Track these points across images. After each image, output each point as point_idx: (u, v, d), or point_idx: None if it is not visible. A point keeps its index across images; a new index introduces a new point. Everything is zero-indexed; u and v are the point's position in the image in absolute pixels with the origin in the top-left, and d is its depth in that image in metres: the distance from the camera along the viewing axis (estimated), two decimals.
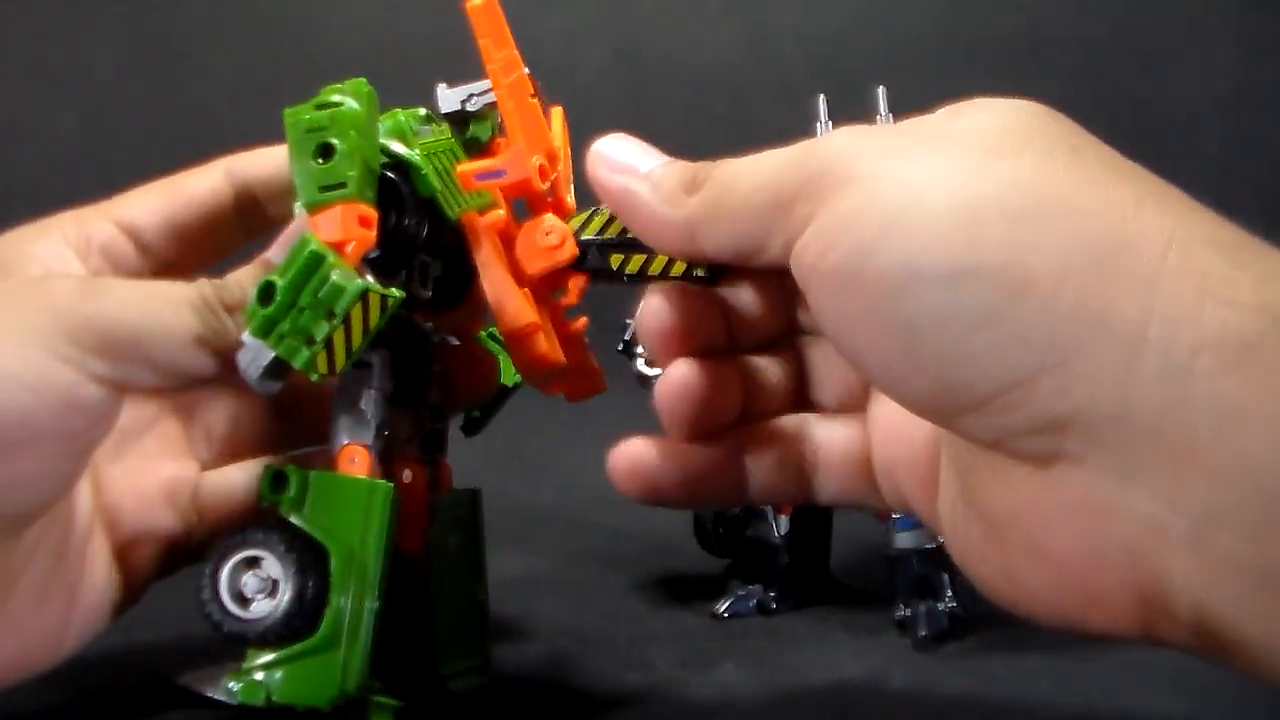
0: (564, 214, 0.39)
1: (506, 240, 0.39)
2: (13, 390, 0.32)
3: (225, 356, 0.35)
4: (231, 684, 0.38)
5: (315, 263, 0.35)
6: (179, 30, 0.90)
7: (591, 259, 0.37)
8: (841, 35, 0.88)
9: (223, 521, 0.40)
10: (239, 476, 0.41)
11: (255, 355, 0.36)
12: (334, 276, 0.35)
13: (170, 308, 0.35)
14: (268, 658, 0.37)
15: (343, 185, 0.36)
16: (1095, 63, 0.95)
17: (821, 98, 0.48)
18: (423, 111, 0.41)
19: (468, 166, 0.38)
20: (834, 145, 0.29)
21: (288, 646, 0.37)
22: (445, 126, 0.41)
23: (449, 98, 0.40)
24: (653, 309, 0.35)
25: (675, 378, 0.35)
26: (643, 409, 0.75)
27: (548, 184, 0.38)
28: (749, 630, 0.51)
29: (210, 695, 0.38)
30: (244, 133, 0.45)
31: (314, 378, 0.36)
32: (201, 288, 0.36)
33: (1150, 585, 0.26)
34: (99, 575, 0.38)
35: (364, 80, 0.38)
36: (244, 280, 0.37)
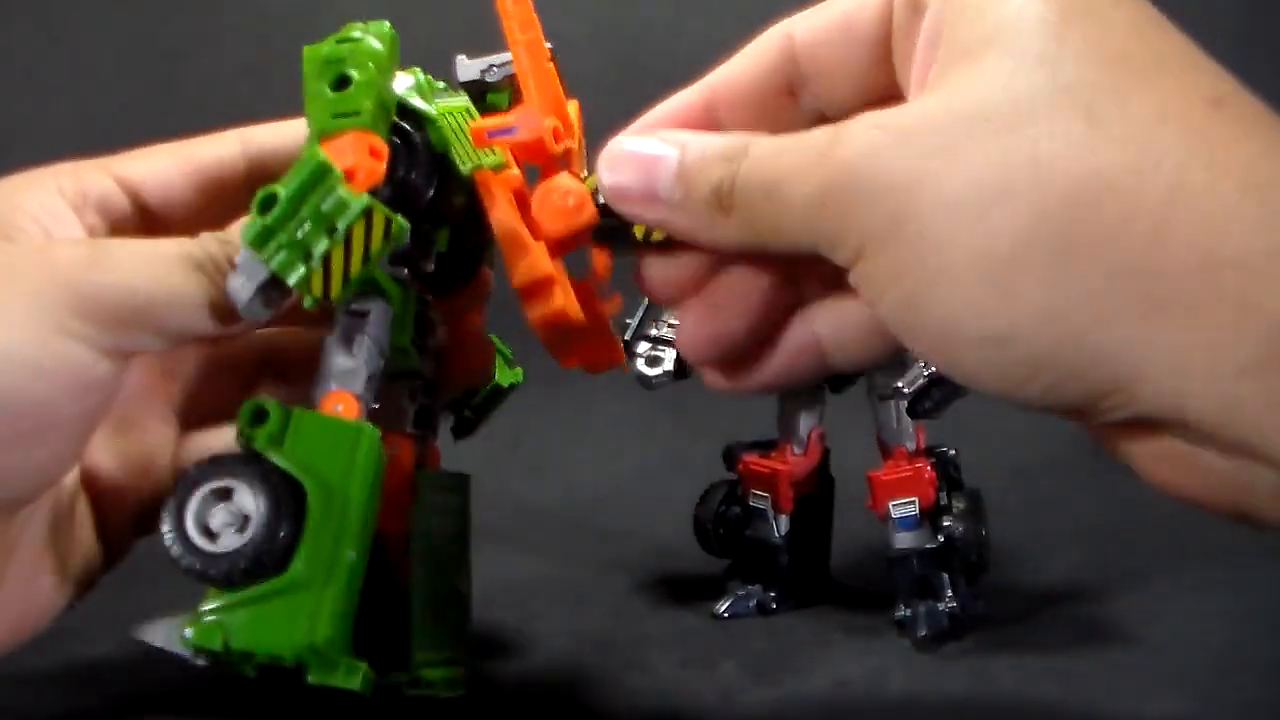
0: None
1: (521, 202, 0.37)
2: (27, 375, 0.32)
3: (230, 311, 0.35)
4: (186, 629, 0.34)
5: (321, 174, 0.34)
6: (179, 30, 0.90)
7: (610, 226, 0.35)
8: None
9: None
10: (219, 442, 0.40)
11: (248, 275, 0.34)
12: (339, 190, 0.34)
13: (179, 271, 0.34)
14: (227, 599, 0.34)
15: (356, 114, 0.35)
16: None
17: None
18: (442, 84, 0.40)
19: (481, 122, 0.36)
20: (856, 172, 0.28)
21: (252, 586, 0.34)
22: (462, 95, 0.40)
23: (468, 68, 0.40)
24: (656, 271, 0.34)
25: (686, 331, 0.34)
26: (643, 409, 0.75)
27: (561, 147, 0.36)
28: (749, 630, 0.51)
29: (161, 647, 0.35)
30: None
31: (307, 302, 0.35)
32: (207, 244, 0.35)
33: (1250, 515, 0.28)
34: (85, 541, 0.38)
35: (388, 23, 0.37)
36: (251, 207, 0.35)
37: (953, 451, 0.52)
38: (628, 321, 0.53)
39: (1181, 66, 0.27)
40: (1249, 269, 0.25)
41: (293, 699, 0.43)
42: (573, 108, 0.37)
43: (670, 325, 0.52)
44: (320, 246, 0.34)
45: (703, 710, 0.44)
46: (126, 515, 0.39)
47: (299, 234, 0.34)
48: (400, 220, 0.35)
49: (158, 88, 0.89)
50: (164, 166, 0.39)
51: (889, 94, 0.32)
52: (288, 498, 0.34)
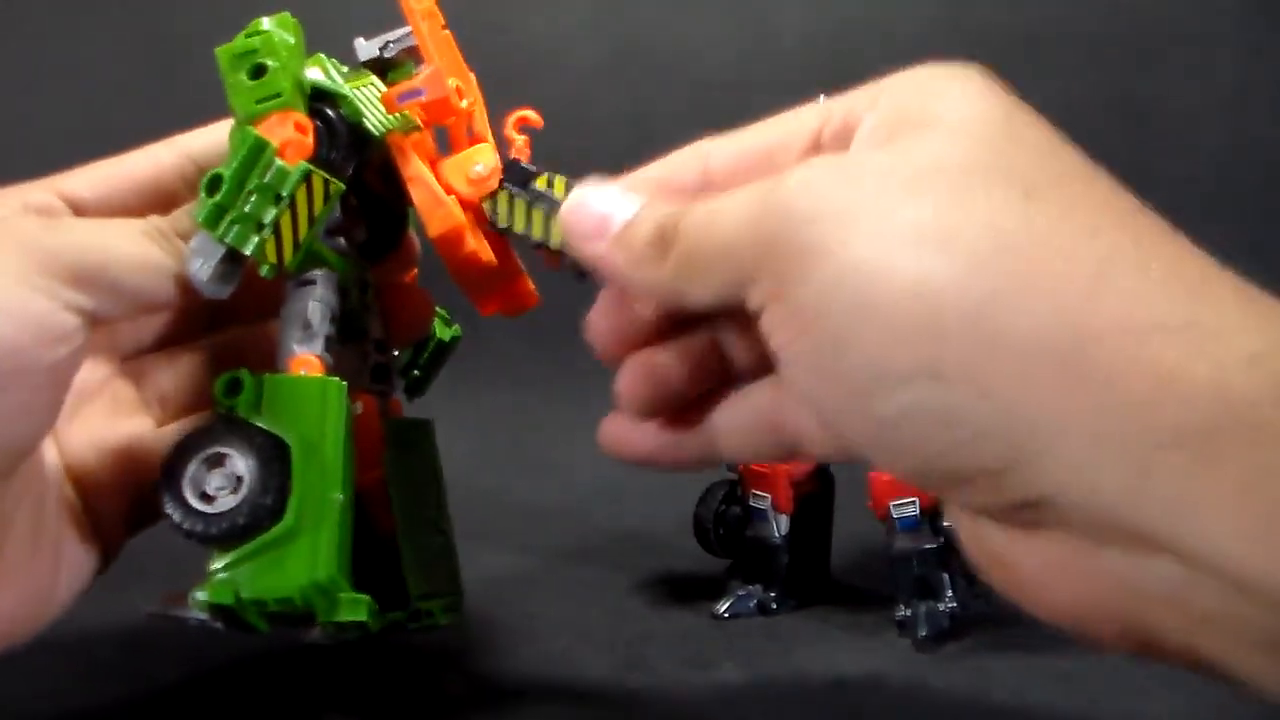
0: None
1: (432, 164, 0.41)
2: (1, 321, 0.33)
3: (181, 282, 0.37)
4: (198, 592, 0.37)
5: (259, 148, 0.36)
6: (179, 30, 0.90)
7: (505, 208, 0.39)
8: (841, 35, 0.88)
9: None
10: None
11: (204, 256, 0.36)
12: (277, 161, 0.36)
13: (127, 236, 0.36)
14: (231, 557, 0.37)
15: (278, 95, 0.38)
16: (1095, 62, 0.95)
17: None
18: (345, 69, 0.42)
19: (389, 90, 0.40)
20: (789, 200, 0.28)
21: (252, 541, 0.36)
22: (368, 74, 0.42)
23: (367, 47, 0.42)
24: (597, 313, 0.36)
25: (625, 377, 0.35)
26: None
27: (465, 104, 0.40)
28: (749, 630, 0.51)
29: (179, 615, 0.37)
30: None
31: (264, 270, 0.37)
32: (153, 219, 0.37)
33: (1141, 631, 0.27)
34: (78, 532, 0.39)
35: (288, 14, 0.40)
36: (188, 210, 0.38)
37: None
38: None
39: (1105, 178, 0.28)
40: (1172, 341, 0.25)
41: (291, 702, 0.43)
42: (471, 76, 0.40)
43: None
44: (270, 214, 0.36)
45: (703, 710, 0.44)
46: (116, 511, 0.40)
47: (247, 207, 0.36)
48: (337, 182, 0.38)
49: (158, 87, 0.89)
50: (101, 178, 0.41)
51: None
52: (274, 454, 0.37)
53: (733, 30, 0.85)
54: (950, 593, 0.50)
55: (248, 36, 0.39)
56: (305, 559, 0.36)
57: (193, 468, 0.37)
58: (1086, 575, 0.27)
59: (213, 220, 0.36)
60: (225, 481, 0.37)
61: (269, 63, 0.38)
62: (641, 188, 0.34)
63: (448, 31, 0.41)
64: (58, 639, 0.39)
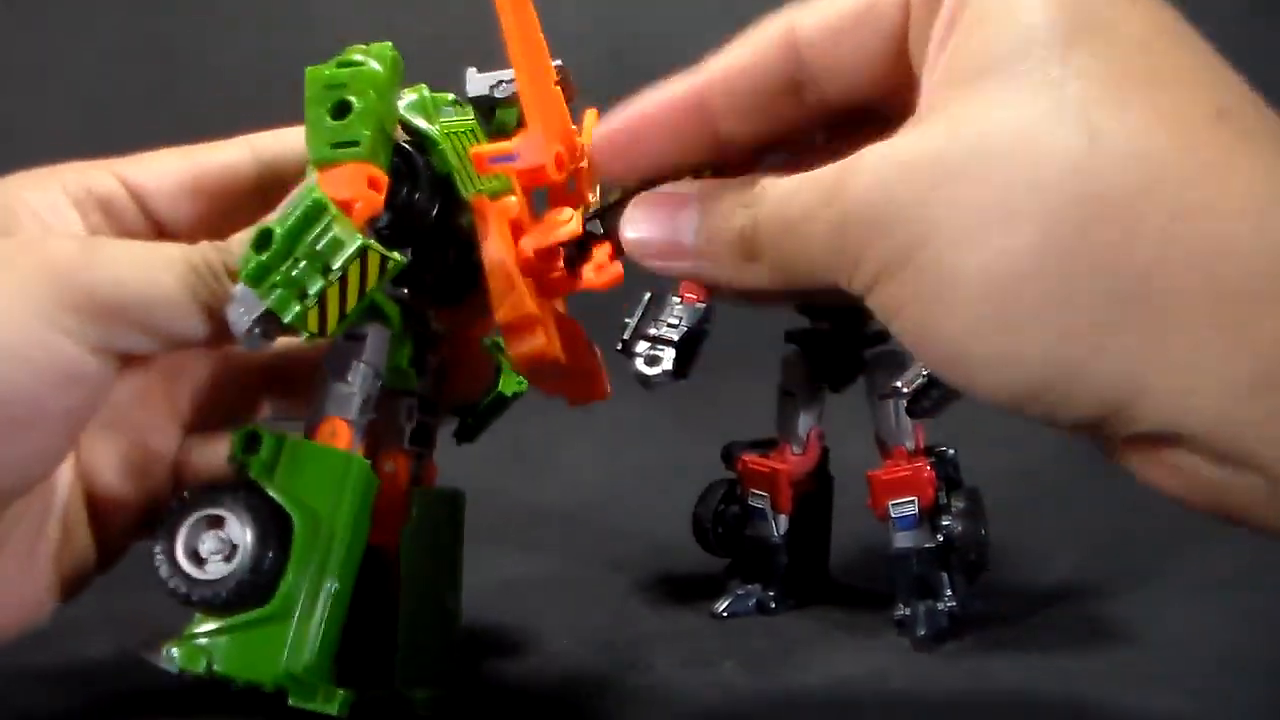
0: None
1: (516, 231, 0.37)
2: (12, 366, 0.32)
3: (219, 322, 0.35)
4: (173, 649, 0.35)
5: (317, 211, 0.34)
6: (179, 30, 0.90)
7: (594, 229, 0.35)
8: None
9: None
10: (221, 450, 0.39)
11: (246, 308, 0.34)
12: (335, 229, 0.34)
13: (171, 272, 0.34)
14: (214, 624, 0.35)
15: (355, 144, 0.35)
16: None
17: None
18: (451, 96, 0.40)
19: (482, 148, 0.36)
20: (866, 206, 0.28)
21: (236, 614, 0.35)
22: (469, 110, 0.40)
23: (477, 82, 0.40)
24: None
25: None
26: (643, 409, 0.75)
27: (565, 175, 0.35)
28: (749, 630, 0.51)
29: (152, 660, 0.36)
30: (244, 133, 0.45)
31: (304, 337, 0.35)
32: (205, 251, 0.35)
33: (1246, 520, 0.28)
34: (79, 540, 0.38)
35: (390, 45, 0.37)
36: (244, 242, 0.35)
37: (952, 451, 0.52)
38: (626, 321, 0.52)
39: (1187, 79, 0.27)
40: (1247, 292, 0.25)
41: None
42: (589, 116, 0.37)
43: (670, 325, 0.52)
44: (316, 285, 0.34)
45: (703, 710, 0.44)
46: (123, 517, 0.39)
47: (294, 272, 0.34)
48: (397, 257, 0.35)
49: (158, 88, 0.89)
50: (170, 170, 0.39)
51: (904, 84, 0.31)
52: (275, 529, 0.35)
53: (732, 30, 0.84)
54: (949, 592, 0.50)
55: (340, 65, 0.36)
56: (285, 647, 0.35)
57: (188, 525, 0.35)
58: (1197, 479, 0.28)
59: (256, 279, 0.34)
60: (219, 546, 0.35)
61: (354, 102, 0.35)
62: (721, 83, 0.32)
63: (559, 89, 0.36)
64: (52, 640, 0.39)
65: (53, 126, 0.88)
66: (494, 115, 0.40)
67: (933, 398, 0.48)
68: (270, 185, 0.39)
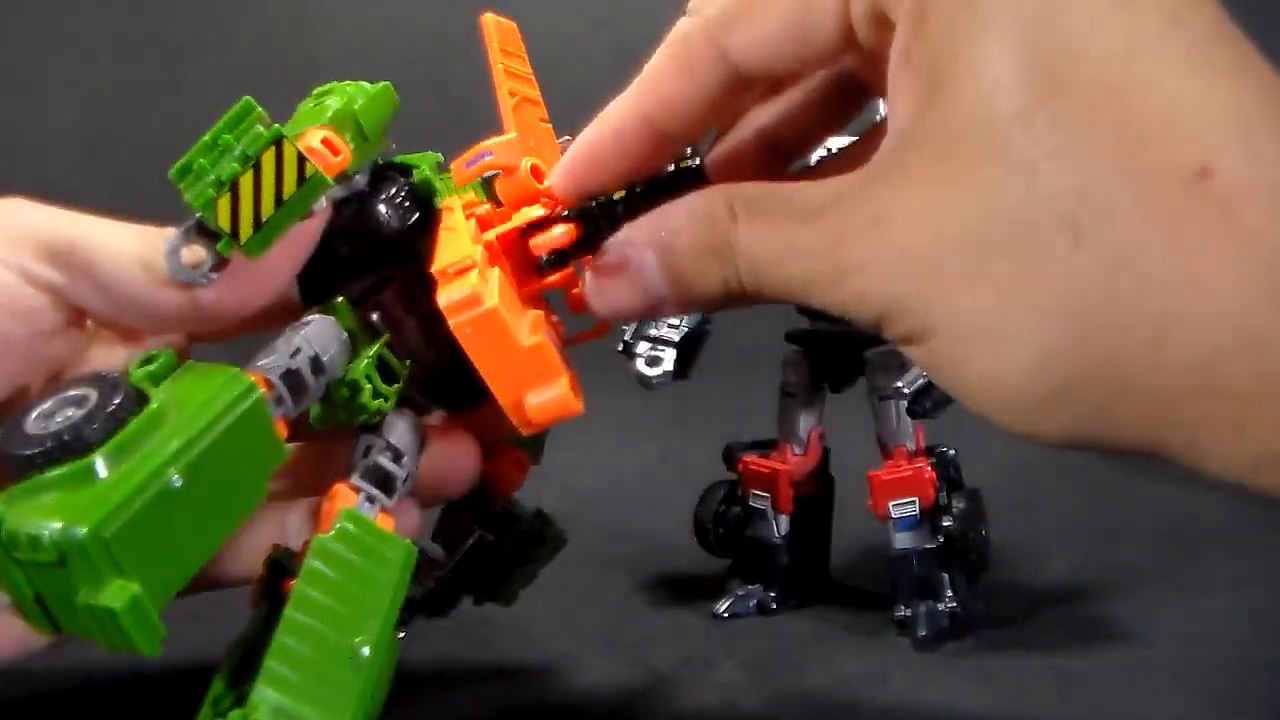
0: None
1: (509, 247, 0.35)
2: None
3: (165, 293, 0.35)
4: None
5: (245, 111, 0.34)
6: (179, 30, 0.90)
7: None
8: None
9: None
10: None
11: (176, 240, 0.34)
12: (257, 126, 0.33)
13: (122, 233, 0.36)
14: (25, 485, 0.29)
15: (322, 115, 0.36)
16: None
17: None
18: (441, 158, 0.39)
19: (458, 160, 0.36)
20: (871, 279, 0.29)
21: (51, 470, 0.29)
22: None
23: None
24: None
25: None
26: (643, 409, 0.75)
27: (544, 185, 0.35)
28: (749, 630, 0.51)
29: None
30: None
31: (220, 246, 0.34)
32: (164, 233, 0.35)
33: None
34: None
35: (389, 85, 0.38)
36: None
37: (953, 451, 0.52)
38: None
39: (1161, 128, 0.26)
40: (1237, 393, 0.26)
41: None
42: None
43: (670, 325, 0.52)
44: (229, 170, 0.33)
45: (703, 710, 0.44)
46: None
47: (212, 163, 0.33)
48: (322, 175, 0.34)
49: (158, 88, 0.89)
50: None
51: (859, 59, 0.32)
52: (125, 396, 0.31)
53: None
54: (950, 593, 0.50)
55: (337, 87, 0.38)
56: (90, 504, 0.28)
57: (50, 399, 0.31)
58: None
59: (179, 176, 0.33)
60: (69, 411, 0.31)
61: (334, 99, 0.37)
62: (660, 103, 0.32)
63: (548, 125, 0.37)
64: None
65: (53, 126, 0.88)
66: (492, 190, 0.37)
67: (933, 398, 0.48)
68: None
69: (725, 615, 0.53)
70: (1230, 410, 0.26)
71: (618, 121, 0.33)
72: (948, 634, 0.49)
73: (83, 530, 0.28)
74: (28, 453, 0.30)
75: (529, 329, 0.34)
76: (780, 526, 0.53)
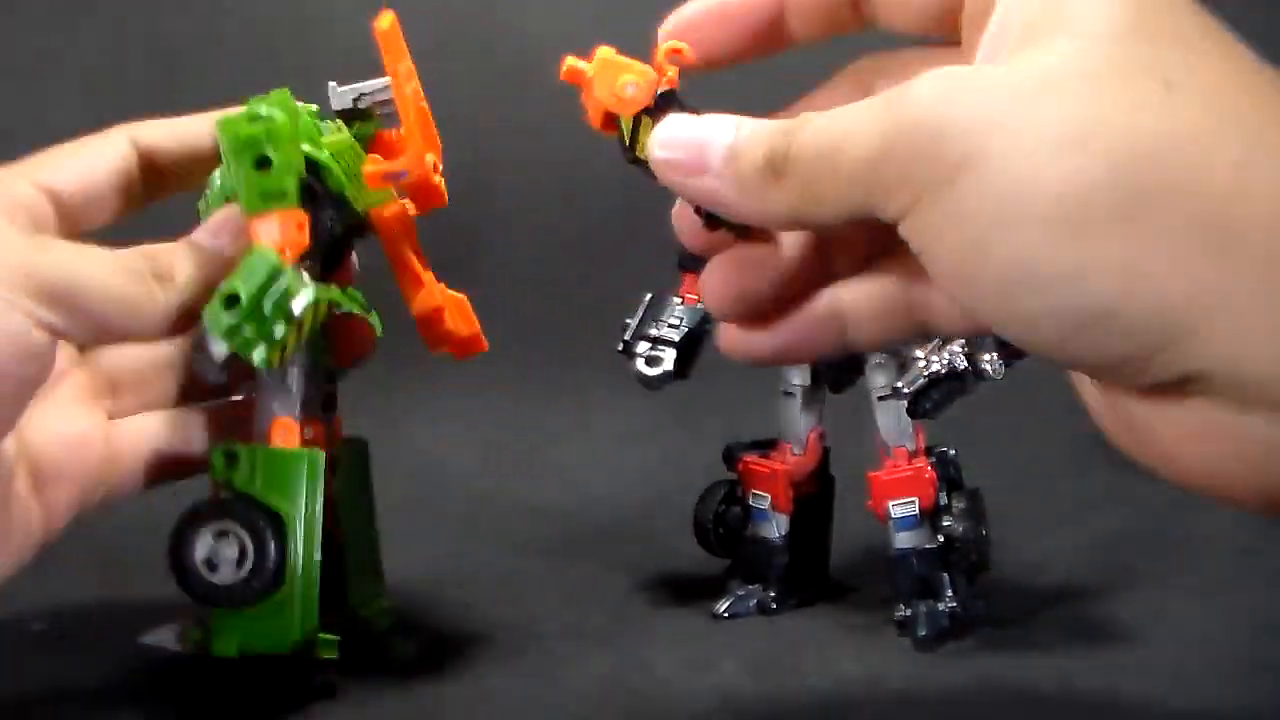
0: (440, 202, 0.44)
1: (405, 225, 0.45)
2: None
3: (151, 319, 0.39)
4: (200, 638, 0.42)
5: (275, 274, 0.40)
6: (179, 30, 0.90)
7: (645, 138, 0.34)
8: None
9: (134, 467, 0.44)
10: (147, 424, 0.45)
11: (210, 351, 0.40)
12: (292, 285, 0.40)
13: (107, 269, 0.39)
14: (231, 616, 0.42)
15: (283, 195, 0.41)
16: None
17: None
18: (314, 107, 0.44)
19: (372, 168, 0.42)
20: (923, 117, 0.28)
21: (251, 606, 0.41)
22: (340, 124, 0.44)
23: (341, 96, 0.44)
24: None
25: (712, 275, 0.34)
26: (643, 409, 0.75)
27: (439, 178, 0.43)
28: (749, 630, 0.51)
29: (178, 649, 0.43)
30: None
31: (264, 366, 0.41)
32: (134, 258, 0.40)
33: (1277, 488, 0.28)
34: (23, 514, 0.41)
35: (287, 91, 0.42)
36: (171, 254, 0.41)
37: (952, 451, 0.52)
38: (628, 321, 0.52)
39: (1246, 56, 0.28)
40: None
41: (289, 701, 0.43)
42: (604, 50, 0.36)
43: (670, 325, 0.52)
44: (279, 331, 0.40)
45: (703, 710, 0.44)
46: (64, 493, 0.42)
47: (263, 325, 0.40)
48: (335, 294, 0.43)
49: (158, 87, 0.89)
50: (73, 167, 0.43)
51: (956, 28, 0.32)
52: (273, 533, 0.41)
53: None
54: (950, 593, 0.50)
55: (251, 121, 0.41)
56: (296, 619, 0.42)
57: (201, 539, 0.41)
58: (1229, 440, 0.27)
59: (229, 335, 0.40)
60: (230, 554, 0.41)
61: (274, 156, 0.41)
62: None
63: (425, 104, 0.43)
64: (53, 639, 0.39)
65: (53, 126, 0.88)
66: (354, 123, 0.45)
67: (934, 398, 0.48)
68: (149, 172, 0.44)
69: (725, 615, 0.53)
70: None
71: None
72: (948, 634, 0.49)
73: (306, 635, 0.43)
74: (228, 599, 0.42)
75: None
76: (780, 526, 0.53)
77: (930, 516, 0.50)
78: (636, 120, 0.34)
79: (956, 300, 0.29)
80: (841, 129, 0.29)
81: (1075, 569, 0.57)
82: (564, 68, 0.34)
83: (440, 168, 0.43)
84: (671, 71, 0.34)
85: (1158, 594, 0.54)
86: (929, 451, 0.51)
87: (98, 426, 0.43)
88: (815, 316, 0.33)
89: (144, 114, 0.45)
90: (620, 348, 0.52)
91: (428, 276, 0.45)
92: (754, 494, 0.54)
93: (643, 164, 0.33)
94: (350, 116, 0.45)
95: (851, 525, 0.56)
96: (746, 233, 0.33)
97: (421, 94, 0.42)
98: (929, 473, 0.50)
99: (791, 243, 0.33)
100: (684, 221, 0.34)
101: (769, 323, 0.34)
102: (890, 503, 0.50)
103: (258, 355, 0.40)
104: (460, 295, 0.46)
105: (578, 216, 0.88)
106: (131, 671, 0.46)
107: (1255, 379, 0.26)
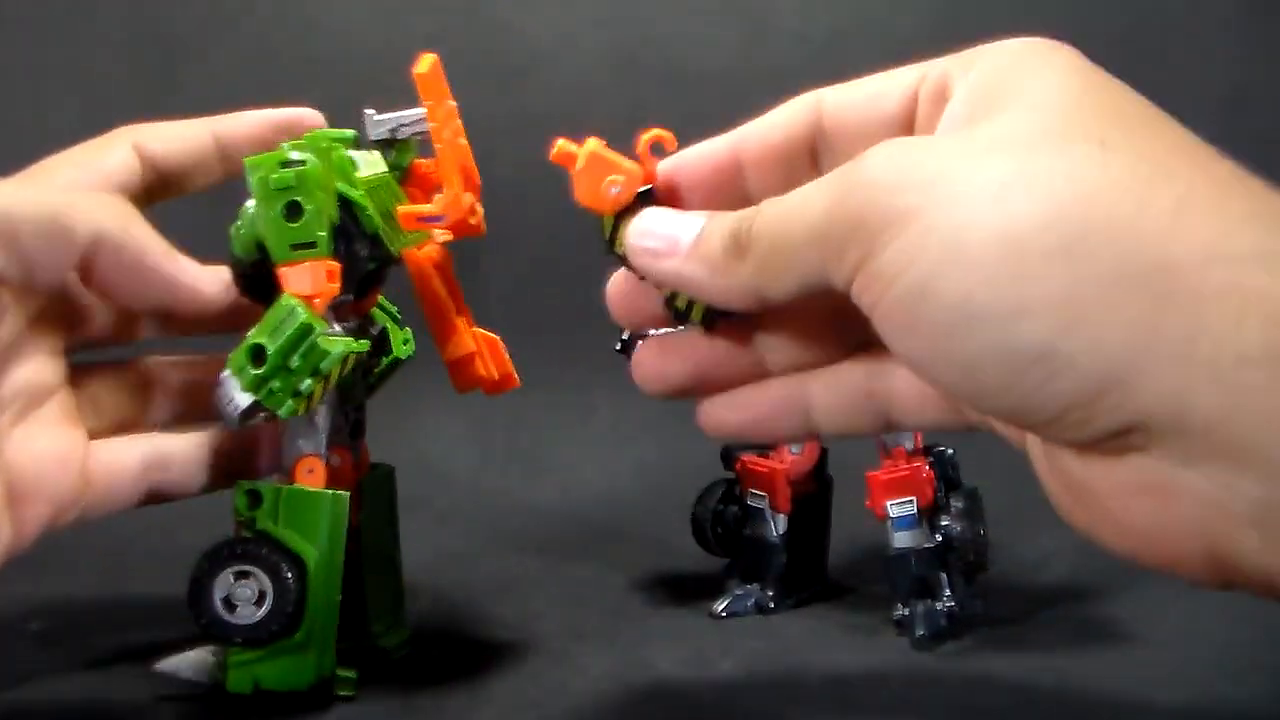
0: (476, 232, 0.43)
1: (439, 266, 0.45)
2: None
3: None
4: (218, 674, 0.42)
5: (305, 332, 0.40)
6: (179, 30, 0.90)
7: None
8: (841, 35, 0.88)
9: (112, 490, 0.43)
10: (126, 449, 0.44)
11: (233, 398, 0.40)
12: (321, 342, 0.40)
13: (32, 200, 0.39)
14: (251, 654, 0.42)
15: (313, 245, 0.40)
16: (1095, 62, 0.95)
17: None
18: (350, 133, 0.43)
19: (408, 209, 0.42)
20: (873, 176, 0.29)
21: (269, 646, 0.42)
22: (379, 156, 0.44)
23: (377, 126, 0.44)
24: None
25: (644, 354, 0.37)
26: (643, 409, 0.75)
27: (477, 217, 0.42)
28: (748, 630, 0.52)
29: (193, 679, 0.43)
30: None
31: (289, 416, 0.41)
32: (53, 192, 0.41)
33: (1220, 553, 0.27)
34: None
35: (319, 133, 0.42)
36: (241, 354, 0.41)
37: (951, 451, 0.52)
38: None
39: (1181, 129, 0.29)
40: (1253, 262, 0.26)
41: (292, 699, 0.43)
42: (591, 143, 0.37)
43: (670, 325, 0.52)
44: (306, 385, 0.40)
45: (702, 710, 0.44)
46: (37, 510, 0.41)
47: (290, 379, 0.40)
48: (365, 345, 0.42)
49: (158, 88, 0.89)
50: (180, 139, 0.45)
51: None
52: (293, 576, 0.41)
53: (732, 30, 0.85)
54: (948, 592, 0.50)
55: (283, 166, 0.40)
56: (314, 659, 0.42)
57: (221, 579, 0.41)
58: (1170, 497, 0.27)
59: (255, 387, 0.40)
60: (250, 595, 0.41)
61: (305, 205, 0.40)
62: (754, 141, 0.35)
63: (465, 141, 0.41)
64: (53, 639, 0.39)
65: (53, 126, 0.88)
66: (392, 151, 0.44)
67: None
68: (152, 179, 0.45)
69: (723, 615, 0.53)
70: (1242, 277, 0.26)
71: (709, 151, 0.36)
72: (946, 634, 0.49)
73: (325, 674, 0.43)
74: (248, 638, 0.42)
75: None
76: (778, 526, 0.53)
77: (928, 516, 0.50)
78: (618, 216, 0.36)
79: (901, 355, 0.30)
80: (798, 199, 0.31)
81: (1075, 569, 0.57)
82: (555, 149, 0.36)
83: (479, 208, 0.42)
84: (651, 164, 0.36)
85: (1157, 594, 0.54)
86: (927, 451, 0.51)
87: (78, 447, 0.43)
88: (777, 400, 0.36)
89: (144, 114, 0.45)
90: (619, 348, 0.52)
91: (461, 321, 0.45)
92: (752, 493, 0.54)
93: (621, 257, 0.36)
94: (387, 145, 0.44)
95: (849, 525, 0.56)
96: (714, 324, 0.36)
97: (462, 131, 0.42)
98: (927, 472, 0.50)
99: (764, 341, 0.36)
100: (615, 297, 0.37)
101: (733, 405, 0.37)
102: (888, 502, 0.50)
103: (285, 409, 0.40)
104: (493, 336, 0.46)
105: (578, 216, 0.88)
106: (131, 672, 0.46)
107: (1201, 425, 0.26)
